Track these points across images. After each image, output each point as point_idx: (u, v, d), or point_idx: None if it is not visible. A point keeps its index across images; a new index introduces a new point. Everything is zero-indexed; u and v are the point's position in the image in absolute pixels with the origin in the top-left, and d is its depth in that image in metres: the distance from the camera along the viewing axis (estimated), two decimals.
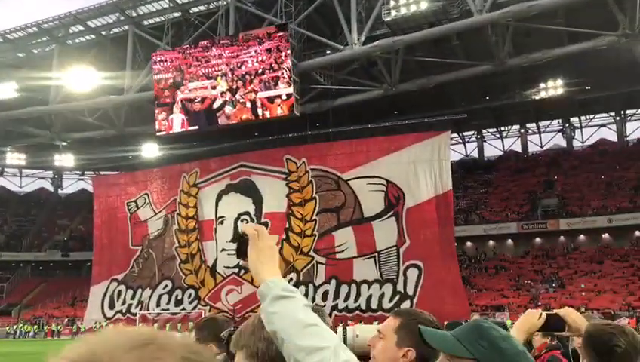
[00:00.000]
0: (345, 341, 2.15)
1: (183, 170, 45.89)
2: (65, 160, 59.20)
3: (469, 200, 52.36)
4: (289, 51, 33.85)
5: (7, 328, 50.06)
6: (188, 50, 37.19)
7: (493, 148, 61.31)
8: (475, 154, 61.80)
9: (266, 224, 40.31)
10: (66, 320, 50.75)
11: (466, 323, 1.84)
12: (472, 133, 60.53)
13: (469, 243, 48.93)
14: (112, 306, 46.05)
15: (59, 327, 49.09)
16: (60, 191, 72.48)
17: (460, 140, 61.37)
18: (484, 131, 60.44)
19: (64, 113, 42.62)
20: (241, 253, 1.73)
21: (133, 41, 39.08)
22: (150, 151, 48.38)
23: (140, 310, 44.05)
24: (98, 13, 39.57)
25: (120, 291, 46.06)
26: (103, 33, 41.24)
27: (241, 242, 1.74)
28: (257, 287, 1.68)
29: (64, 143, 51.38)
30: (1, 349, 33.30)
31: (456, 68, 35.80)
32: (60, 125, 46.11)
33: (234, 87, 35.61)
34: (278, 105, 34.26)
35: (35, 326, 50.24)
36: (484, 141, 61.47)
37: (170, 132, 38.26)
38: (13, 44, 42.89)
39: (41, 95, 41.11)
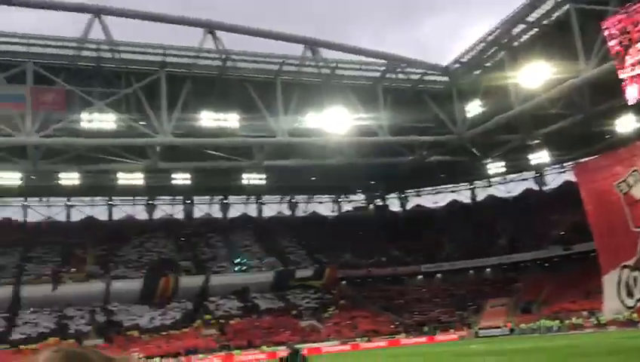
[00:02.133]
0: None
1: None
2: (540, 157, 60.27)
3: None
4: None
5: (532, 324, 52.83)
6: (632, 7, 32.79)
7: None
8: None
9: None
10: (584, 313, 50.22)
11: None
12: None
13: None
14: (630, 294, 43.16)
15: (579, 320, 48.92)
16: (544, 188, 73.72)
17: None
18: None
19: (527, 113, 43.34)
20: None
21: (576, 18, 37.01)
22: (625, 124, 44.43)
23: None
24: (532, 7, 39.19)
25: (635, 278, 42.83)
26: (545, 22, 40.50)
27: None
28: None
29: (536, 141, 52.23)
30: (530, 344, 35.09)
31: None
32: (526, 125, 47.14)
33: None
34: None
35: (557, 321, 51.37)
36: None
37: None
38: (468, 66, 46.50)
39: (503, 103, 43.00)
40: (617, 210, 44.23)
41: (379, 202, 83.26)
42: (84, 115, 40.40)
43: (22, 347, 47.41)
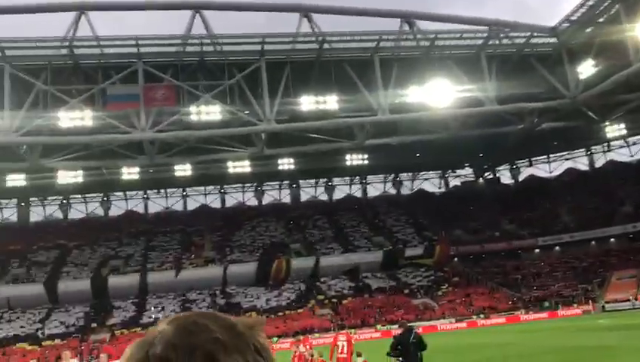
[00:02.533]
0: None
1: None
2: None
3: None
4: None
5: None
6: None
7: None
8: None
9: None
10: None
11: None
12: None
13: None
14: None
15: None
16: None
17: None
18: None
19: None
20: None
21: None
22: None
23: None
24: None
25: None
26: None
27: None
28: None
29: None
30: None
31: None
32: None
33: None
34: None
35: None
36: None
37: None
38: (578, 24, 43.28)
39: (620, 60, 39.68)
40: None
41: (488, 175, 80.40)
42: (193, 108, 42.11)
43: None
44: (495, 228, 69.14)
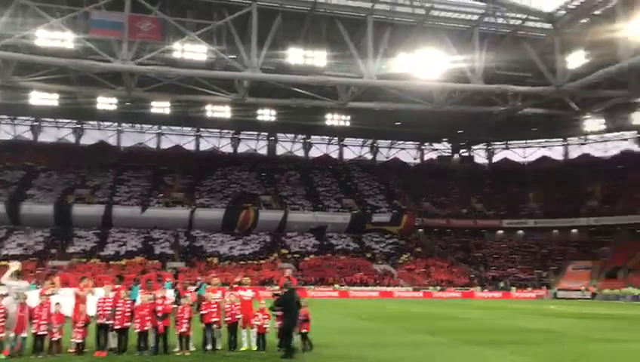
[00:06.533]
0: None
1: None
2: None
3: None
4: None
5: (616, 291, 50.60)
6: None
7: None
8: None
9: None
10: None
11: None
12: None
13: None
14: None
15: None
16: None
17: None
18: None
19: (637, 68, 39.93)
20: None
21: None
22: None
23: None
24: None
25: None
26: None
27: None
28: None
29: None
30: (615, 311, 33.56)
31: None
32: (635, 81, 43.62)
33: None
34: None
35: None
36: None
37: None
38: (575, 13, 43.09)
39: (610, 56, 39.72)
40: None
41: (464, 152, 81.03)
42: (177, 45, 41.03)
43: (112, 262, 50.74)
44: (463, 205, 70.14)
